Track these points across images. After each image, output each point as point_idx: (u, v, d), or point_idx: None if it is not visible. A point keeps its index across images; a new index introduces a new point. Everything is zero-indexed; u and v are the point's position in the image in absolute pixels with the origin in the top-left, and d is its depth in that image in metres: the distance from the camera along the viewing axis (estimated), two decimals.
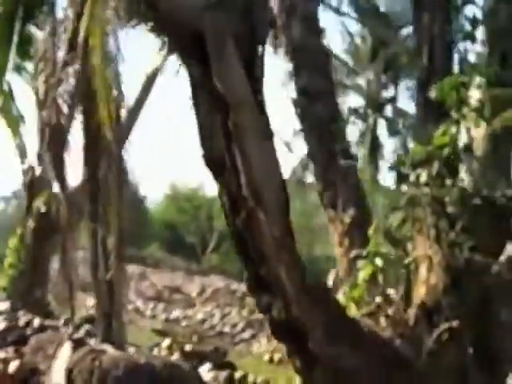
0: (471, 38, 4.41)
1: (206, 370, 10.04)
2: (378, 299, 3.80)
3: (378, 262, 3.95)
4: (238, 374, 10.33)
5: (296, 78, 4.37)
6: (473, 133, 4.91)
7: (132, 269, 23.60)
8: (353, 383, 3.54)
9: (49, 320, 9.80)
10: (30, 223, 11.78)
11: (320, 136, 4.27)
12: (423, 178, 3.81)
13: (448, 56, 4.24)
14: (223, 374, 9.98)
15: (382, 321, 3.78)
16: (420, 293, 3.78)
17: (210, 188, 31.15)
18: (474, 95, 4.98)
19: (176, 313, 16.87)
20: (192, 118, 3.09)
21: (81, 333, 9.06)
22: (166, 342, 11.49)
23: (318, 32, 4.51)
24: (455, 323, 3.63)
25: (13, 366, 7.15)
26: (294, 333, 3.35)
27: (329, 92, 4.39)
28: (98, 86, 6.56)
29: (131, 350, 9.62)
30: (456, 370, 3.73)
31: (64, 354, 7.08)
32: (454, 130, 3.92)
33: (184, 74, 3.06)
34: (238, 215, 3.06)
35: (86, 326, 9.65)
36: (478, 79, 4.24)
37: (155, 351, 11.22)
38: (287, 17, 4.36)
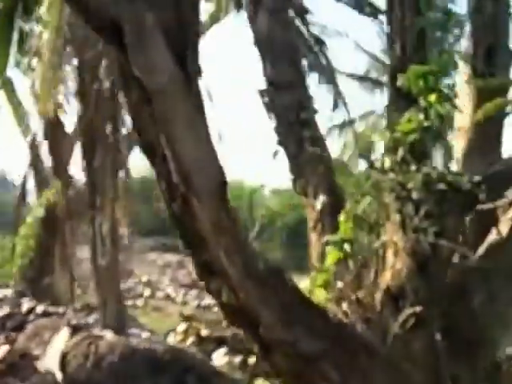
0: (443, 28, 4.38)
1: (221, 355, 10.14)
2: (340, 284, 3.83)
3: (347, 247, 3.97)
4: (252, 360, 10.39)
5: (264, 69, 4.39)
6: (458, 122, 4.92)
7: (170, 257, 24.00)
8: (314, 369, 3.56)
9: (53, 307, 10.01)
10: (40, 212, 12.06)
11: (289, 125, 4.29)
12: (387, 163, 3.81)
13: (420, 45, 4.21)
14: (237, 359, 10.06)
15: (345, 306, 3.81)
16: (386, 278, 3.80)
17: (251, 178, 32.02)
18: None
19: (208, 299, 17.00)
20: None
21: (90, 319, 9.29)
22: (182, 326, 11.60)
23: (286, 23, 4.53)
24: (419, 308, 3.64)
25: (2, 352, 7.32)
26: (246, 318, 3.39)
27: (297, 81, 4.40)
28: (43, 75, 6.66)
29: (145, 335, 9.82)
30: (425, 356, 3.74)
31: (60, 340, 7.25)
32: (421, 116, 3.90)
33: None
34: (174, 200, 3.11)
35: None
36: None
37: (171, 336, 11.34)
38: (254, 8, 4.39)
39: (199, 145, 3.15)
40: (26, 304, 9.88)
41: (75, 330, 7.43)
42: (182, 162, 3.08)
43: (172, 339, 11.14)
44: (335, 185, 4.27)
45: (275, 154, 4.39)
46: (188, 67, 3.14)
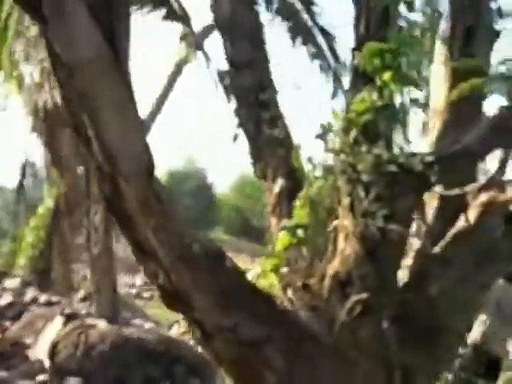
0: (408, 5, 4.20)
1: None
2: (285, 270, 3.70)
3: (300, 232, 3.84)
4: None
5: (226, 50, 4.28)
6: (434, 104, 4.73)
7: None
8: (257, 356, 3.46)
9: (57, 296, 10.07)
10: (51, 203, 12.20)
11: (249, 106, 4.18)
12: (337, 144, 3.67)
13: (384, 23, 4.04)
14: None
15: (291, 292, 3.69)
16: (334, 263, 3.66)
17: None
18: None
19: None
20: None
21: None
22: None
23: (249, 3, 4.40)
24: (365, 295, 3.49)
25: None
26: (181, 302, 3.31)
27: (259, 62, 4.27)
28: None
29: (149, 325, 9.83)
30: (373, 344, 3.59)
31: (53, 329, 7.27)
32: (374, 96, 3.74)
33: None
34: (103, 180, 3.05)
35: None
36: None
37: (175, 327, 11.35)
38: None
39: (125, 125, 3.08)
40: (29, 294, 9.99)
41: (69, 318, 7.46)
42: (106, 141, 3.03)
43: (176, 330, 11.14)
44: (294, 168, 4.12)
45: (235, 137, 4.28)
46: (117, 46, 3.08)
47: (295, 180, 4.09)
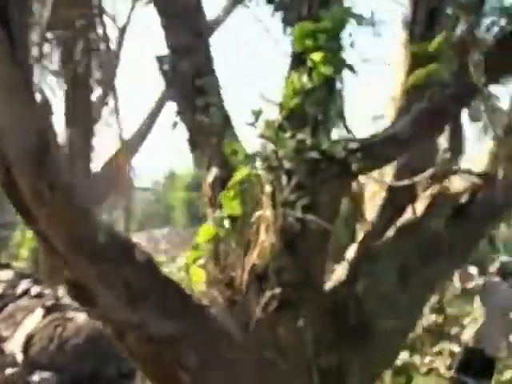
0: None
1: None
2: (208, 263, 3.50)
3: (226, 223, 3.63)
4: None
5: (166, 35, 4.10)
6: (392, 91, 4.49)
7: None
8: (169, 354, 3.29)
9: (49, 289, 9.94)
10: None
11: (187, 93, 3.99)
12: (259, 130, 3.46)
13: (325, 2, 3.81)
14: None
15: (210, 287, 3.50)
16: (253, 256, 3.44)
17: None
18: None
19: None
20: None
21: None
22: None
23: None
24: (278, 290, 3.27)
25: None
26: (88, 297, 3.15)
27: (198, 47, 4.07)
28: None
29: None
30: (292, 343, 3.37)
31: (31, 321, 7.16)
32: (304, 79, 3.51)
33: None
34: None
35: None
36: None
37: None
38: None
39: (15, 112, 2.92)
40: (22, 286, 9.90)
41: (49, 311, 7.37)
42: None
43: None
44: (228, 157, 3.91)
45: (174, 125, 4.10)
46: (11, 29, 2.93)
47: (230, 169, 3.87)
